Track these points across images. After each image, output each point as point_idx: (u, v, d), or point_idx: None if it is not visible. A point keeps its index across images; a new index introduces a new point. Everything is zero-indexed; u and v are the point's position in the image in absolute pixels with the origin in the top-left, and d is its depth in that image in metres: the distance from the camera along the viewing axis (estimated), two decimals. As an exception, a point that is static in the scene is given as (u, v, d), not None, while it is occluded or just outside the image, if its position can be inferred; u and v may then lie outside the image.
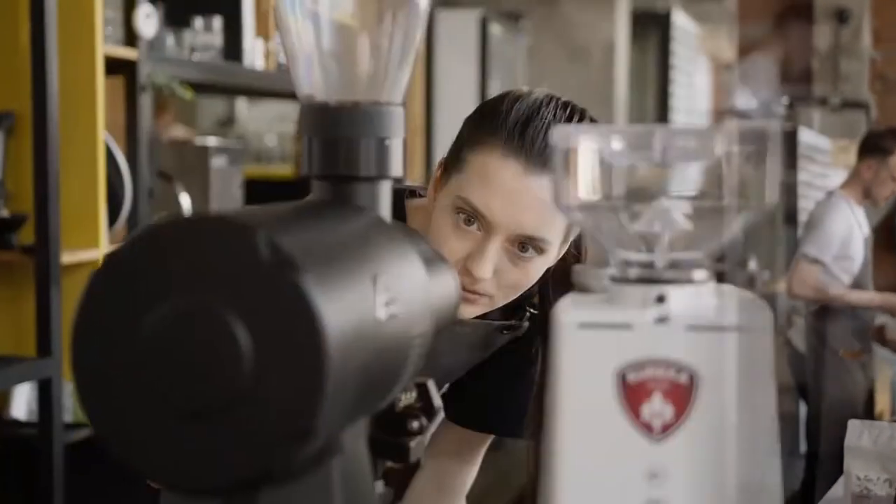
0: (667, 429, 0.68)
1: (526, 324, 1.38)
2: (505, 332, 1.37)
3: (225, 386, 0.62)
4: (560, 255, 1.30)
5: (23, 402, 2.71)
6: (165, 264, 0.67)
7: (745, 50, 9.86)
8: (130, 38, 2.79)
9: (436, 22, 4.69)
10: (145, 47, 2.81)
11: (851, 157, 8.77)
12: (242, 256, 0.66)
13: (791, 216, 6.85)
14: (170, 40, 3.06)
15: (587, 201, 0.77)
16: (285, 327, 0.62)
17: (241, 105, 5.57)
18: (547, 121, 1.21)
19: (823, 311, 4.30)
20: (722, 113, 9.83)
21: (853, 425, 1.97)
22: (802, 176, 6.53)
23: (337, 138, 0.86)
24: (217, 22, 3.14)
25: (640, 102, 7.54)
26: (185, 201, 3.08)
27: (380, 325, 0.70)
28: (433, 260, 0.90)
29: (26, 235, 2.53)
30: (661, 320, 0.69)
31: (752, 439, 0.69)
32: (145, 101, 2.82)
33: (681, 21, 7.71)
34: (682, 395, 0.68)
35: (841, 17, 9.41)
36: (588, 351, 0.69)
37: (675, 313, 0.69)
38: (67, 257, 2.55)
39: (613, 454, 0.68)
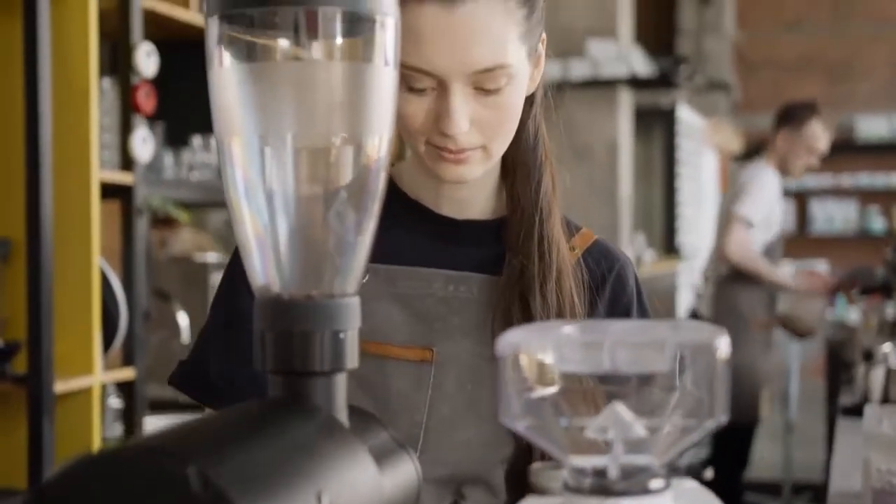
0: None
1: None
2: None
3: None
4: (537, 72, 1.22)
5: (15, 533, 2.67)
6: (94, 501, 0.65)
7: (751, 140, 10.04)
8: (127, 161, 2.80)
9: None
10: (141, 171, 2.83)
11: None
12: (173, 493, 0.64)
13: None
14: (168, 159, 3.08)
15: (536, 407, 0.75)
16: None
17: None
18: None
19: (734, 279, 4.29)
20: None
21: (870, 410, 1.80)
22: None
23: (291, 332, 0.85)
24: (215, 140, 3.16)
25: (647, 196, 7.55)
26: (184, 320, 3.07)
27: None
28: (389, 452, 0.88)
29: (19, 363, 2.52)
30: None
31: None
32: (141, 224, 2.83)
33: (685, 115, 7.76)
34: None
35: None
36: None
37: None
38: (61, 386, 2.53)
39: None
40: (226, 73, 0.84)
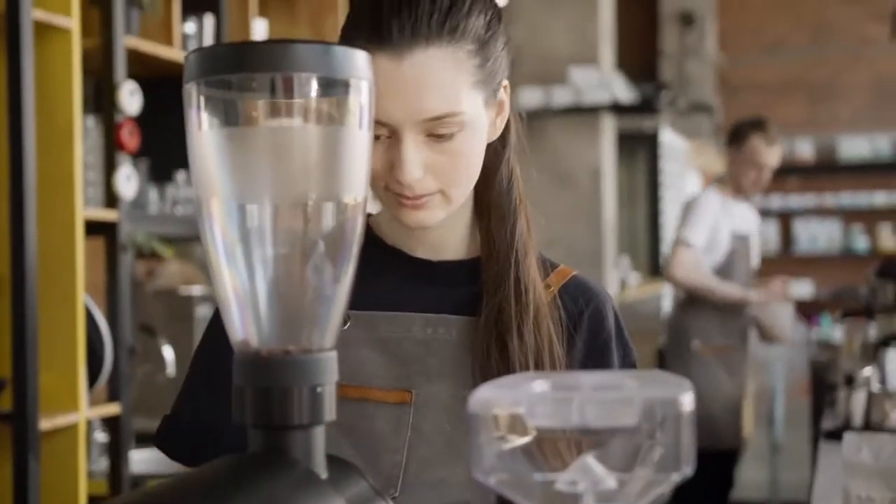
0: None
1: None
2: None
3: None
4: (500, 119, 1.23)
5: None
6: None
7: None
8: (111, 198, 2.82)
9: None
10: (126, 207, 2.85)
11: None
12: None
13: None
14: (153, 195, 3.09)
15: (508, 461, 0.77)
16: None
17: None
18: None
19: (684, 304, 4.32)
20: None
21: (850, 438, 1.81)
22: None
23: (270, 387, 0.87)
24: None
25: (631, 219, 7.60)
26: (169, 354, 3.08)
27: None
28: (367, 502, 0.90)
29: (4, 401, 2.52)
30: None
31: None
32: (125, 261, 2.85)
33: (668, 138, 7.81)
34: None
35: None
36: None
37: None
38: (46, 423, 2.54)
39: None
40: (205, 137, 0.86)
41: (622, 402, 0.75)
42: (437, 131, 1.14)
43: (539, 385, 0.80)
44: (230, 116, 0.87)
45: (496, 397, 0.76)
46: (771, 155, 4.33)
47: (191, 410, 1.26)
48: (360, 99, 0.88)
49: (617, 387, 0.79)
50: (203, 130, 0.87)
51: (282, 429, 0.86)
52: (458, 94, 1.14)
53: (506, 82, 1.24)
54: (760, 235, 4.67)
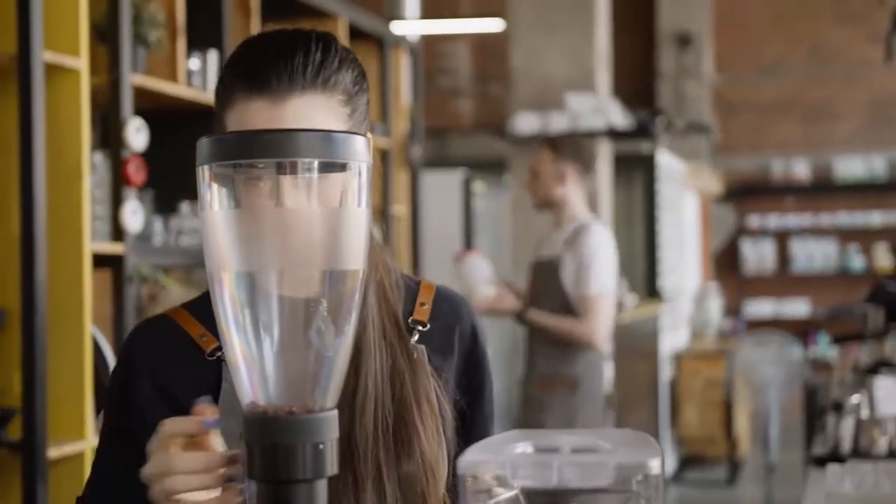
0: None
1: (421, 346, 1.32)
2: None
3: None
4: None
5: None
6: None
7: (731, 181, 10.21)
8: (118, 232, 2.90)
9: (421, 183, 4.83)
10: (132, 241, 2.92)
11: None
12: None
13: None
14: (158, 226, 3.17)
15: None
16: None
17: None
18: (281, 43, 1.20)
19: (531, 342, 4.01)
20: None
21: (833, 470, 1.85)
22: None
23: (275, 445, 0.94)
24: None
25: (629, 241, 7.67)
26: (173, 382, 3.15)
27: None
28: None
29: (14, 430, 2.60)
30: None
31: None
32: (131, 292, 2.92)
33: (665, 160, 7.89)
34: None
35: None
36: None
37: None
38: (54, 452, 2.61)
39: None
40: (216, 216, 0.94)
41: (597, 466, 0.83)
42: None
43: (521, 447, 0.87)
44: (239, 199, 0.95)
45: (482, 460, 0.84)
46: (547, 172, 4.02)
47: (102, 493, 1.29)
48: (359, 179, 0.96)
49: (592, 449, 0.86)
50: (214, 210, 0.94)
51: (287, 483, 0.94)
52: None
53: (370, 135, 1.31)
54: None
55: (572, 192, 3.96)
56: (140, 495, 1.12)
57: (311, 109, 1.20)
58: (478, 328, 1.39)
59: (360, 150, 0.95)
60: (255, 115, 1.20)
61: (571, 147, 4.03)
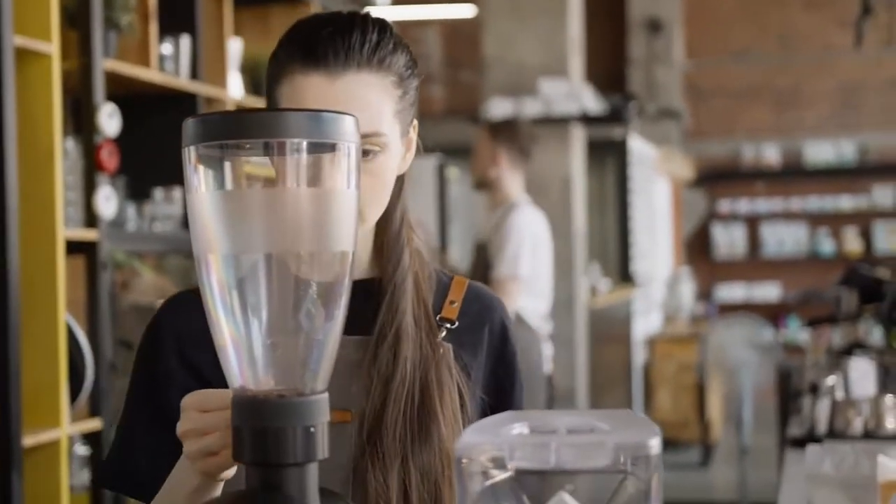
0: None
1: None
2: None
3: None
4: (409, 153, 1.30)
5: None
6: None
7: (701, 166, 10.25)
8: (91, 218, 2.86)
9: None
10: (105, 227, 2.89)
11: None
12: None
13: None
14: (131, 212, 3.14)
15: (488, 499, 0.84)
16: None
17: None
18: (339, 22, 1.23)
19: None
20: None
21: (813, 450, 1.85)
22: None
23: (266, 428, 0.93)
24: (177, 192, 3.23)
25: (602, 227, 7.69)
26: (148, 369, 3.12)
27: None
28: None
29: (-13, 419, 2.57)
30: None
31: None
32: (105, 279, 2.89)
33: (637, 145, 7.91)
34: None
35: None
36: None
37: None
38: (29, 440, 2.58)
39: None
40: (203, 198, 0.93)
41: (595, 446, 0.82)
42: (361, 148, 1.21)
43: (518, 428, 0.87)
44: (226, 178, 0.94)
45: (479, 442, 0.83)
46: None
47: (134, 454, 1.29)
48: (348, 160, 0.95)
49: (589, 430, 0.86)
50: (201, 192, 0.93)
51: (277, 466, 0.93)
52: (382, 117, 1.24)
53: (416, 122, 1.32)
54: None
55: (506, 174, 4.04)
56: (162, 462, 1.15)
57: (366, 87, 1.22)
58: (508, 327, 1.39)
59: (350, 131, 0.94)
60: (309, 89, 1.21)
61: (507, 131, 4.11)
